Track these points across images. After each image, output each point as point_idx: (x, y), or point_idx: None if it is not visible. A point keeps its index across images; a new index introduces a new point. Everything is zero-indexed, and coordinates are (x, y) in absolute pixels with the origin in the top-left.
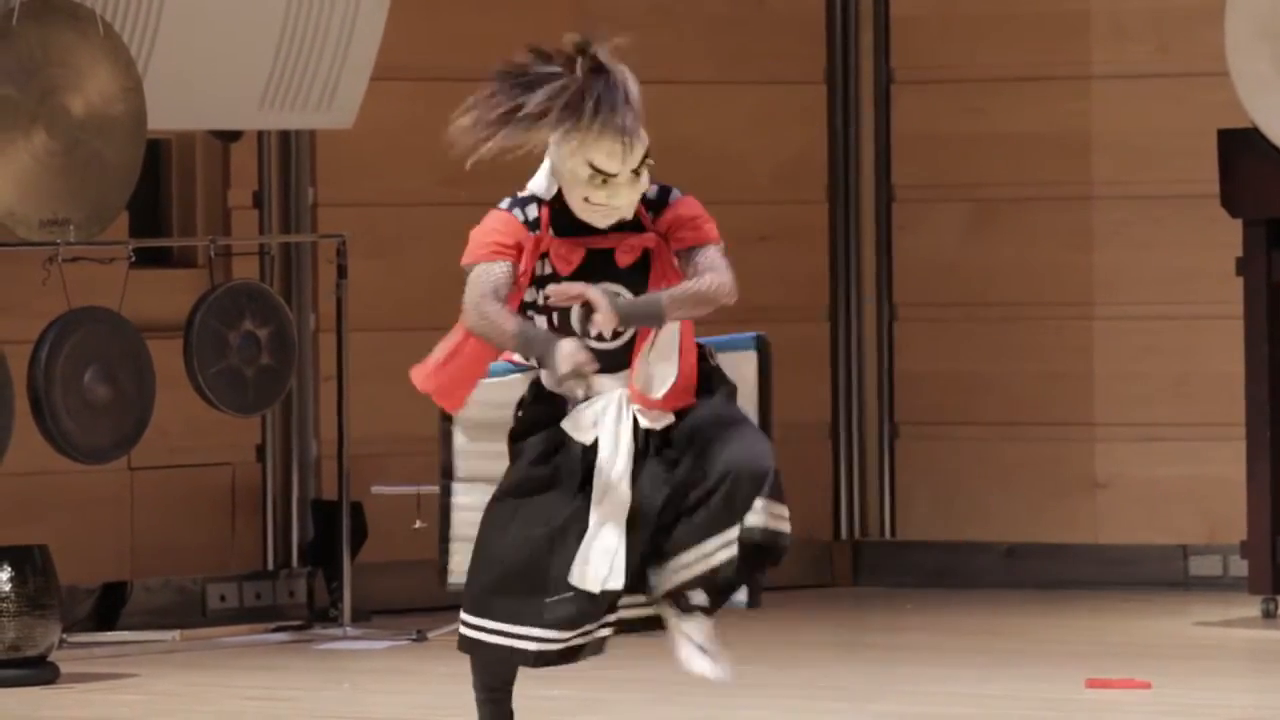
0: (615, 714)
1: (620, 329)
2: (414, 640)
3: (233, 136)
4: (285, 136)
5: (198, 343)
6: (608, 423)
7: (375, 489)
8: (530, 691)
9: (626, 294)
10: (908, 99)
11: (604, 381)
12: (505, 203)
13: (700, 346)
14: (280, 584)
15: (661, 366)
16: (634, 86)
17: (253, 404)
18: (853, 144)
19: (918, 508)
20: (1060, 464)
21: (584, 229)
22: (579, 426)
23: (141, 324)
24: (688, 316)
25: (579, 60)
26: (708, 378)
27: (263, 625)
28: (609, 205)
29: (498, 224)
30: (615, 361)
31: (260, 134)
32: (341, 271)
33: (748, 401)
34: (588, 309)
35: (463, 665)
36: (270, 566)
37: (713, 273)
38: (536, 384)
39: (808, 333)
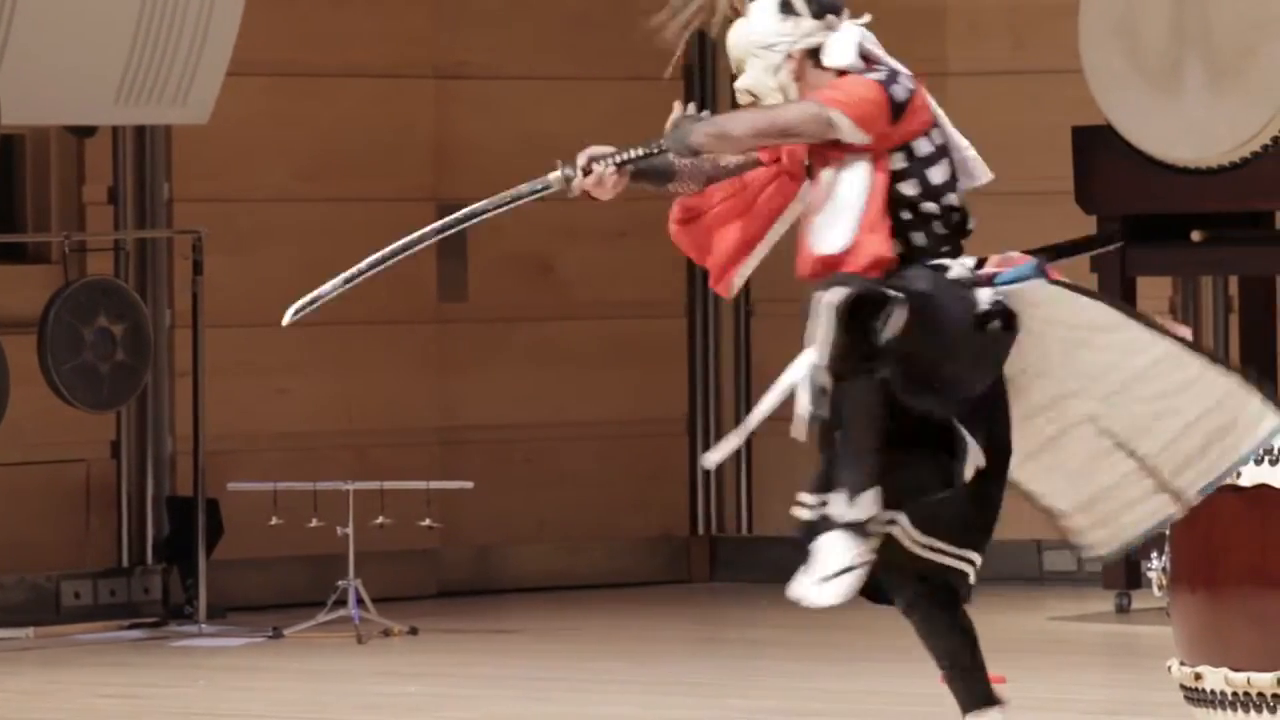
0: (471, 709)
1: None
2: (270, 637)
3: (87, 132)
4: (140, 132)
5: (52, 339)
6: None
7: (231, 485)
8: (385, 689)
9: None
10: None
11: None
12: None
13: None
14: (135, 581)
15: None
16: None
17: (108, 400)
18: None
19: (774, 503)
20: None
21: None
22: None
23: None
24: (707, 146)
25: None
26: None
27: (118, 622)
28: None
29: None
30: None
31: (115, 129)
32: (197, 267)
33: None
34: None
35: (318, 662)
36: (125, 563)
37: (750, 109)
38: None
39: (665, 328)
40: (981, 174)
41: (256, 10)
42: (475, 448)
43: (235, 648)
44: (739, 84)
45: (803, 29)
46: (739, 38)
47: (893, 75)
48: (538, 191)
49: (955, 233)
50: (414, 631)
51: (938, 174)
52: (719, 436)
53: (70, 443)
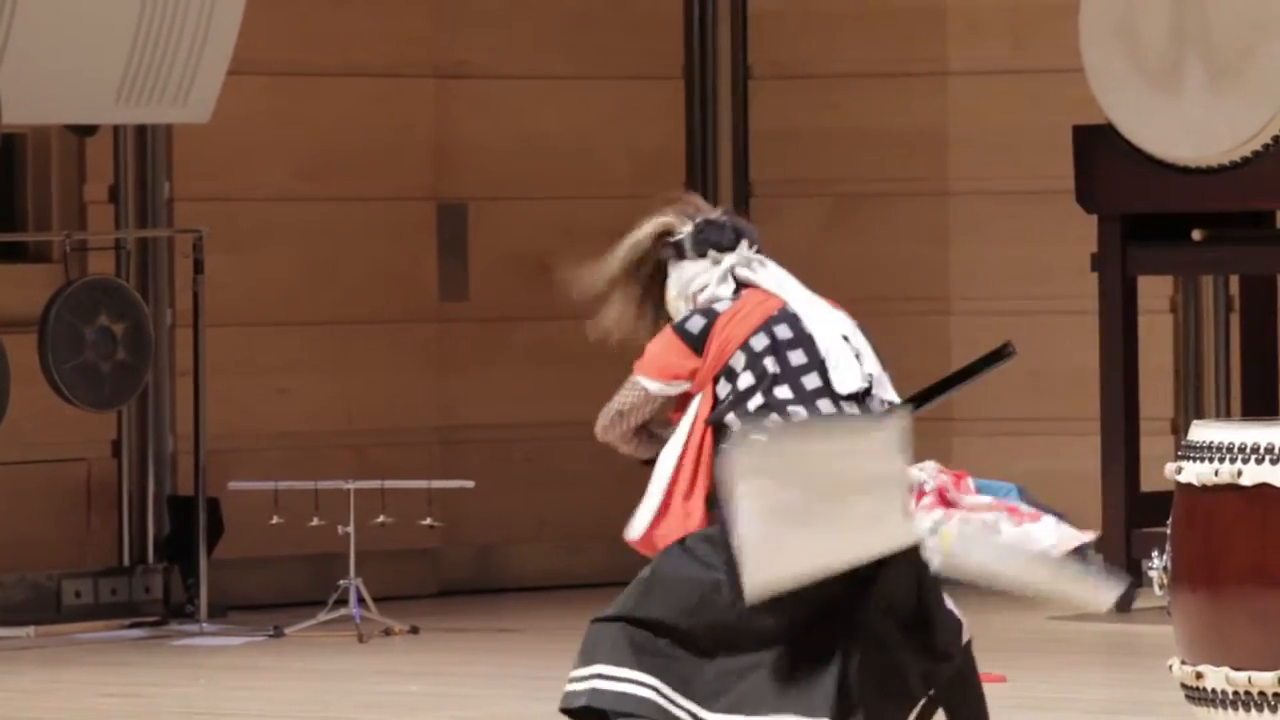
0: (471, 708)
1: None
2: (270, 636)
3: (88, 131)
4: (141, 131)
5: (53, 338)
6: None
7: (232, 485)
8: (386, 688)
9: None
10: (765, 95)
11: None
12: None
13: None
14: (136, 580)
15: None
16: (624, 244)
17: (109, 399)
18: (710, 139)
19: None
20: (918, 458)
21: None
22: None
23: None
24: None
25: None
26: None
27: (119, 621)
28: None
29: None
30: None
31: (116, 128)
32: (198, 266)
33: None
34: None
35: (319, 662)
36: (126, 562)
37: None
38: None
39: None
40: (843, 381)
41: (257, 10)
42: (476, 447)
43: (236, 647)
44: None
45: (691, 271)
46: (667, 296)
47: (699, 310)
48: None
49: None
50: (415, 630)
51: (756, 400)
52: None
53: (71, 442)
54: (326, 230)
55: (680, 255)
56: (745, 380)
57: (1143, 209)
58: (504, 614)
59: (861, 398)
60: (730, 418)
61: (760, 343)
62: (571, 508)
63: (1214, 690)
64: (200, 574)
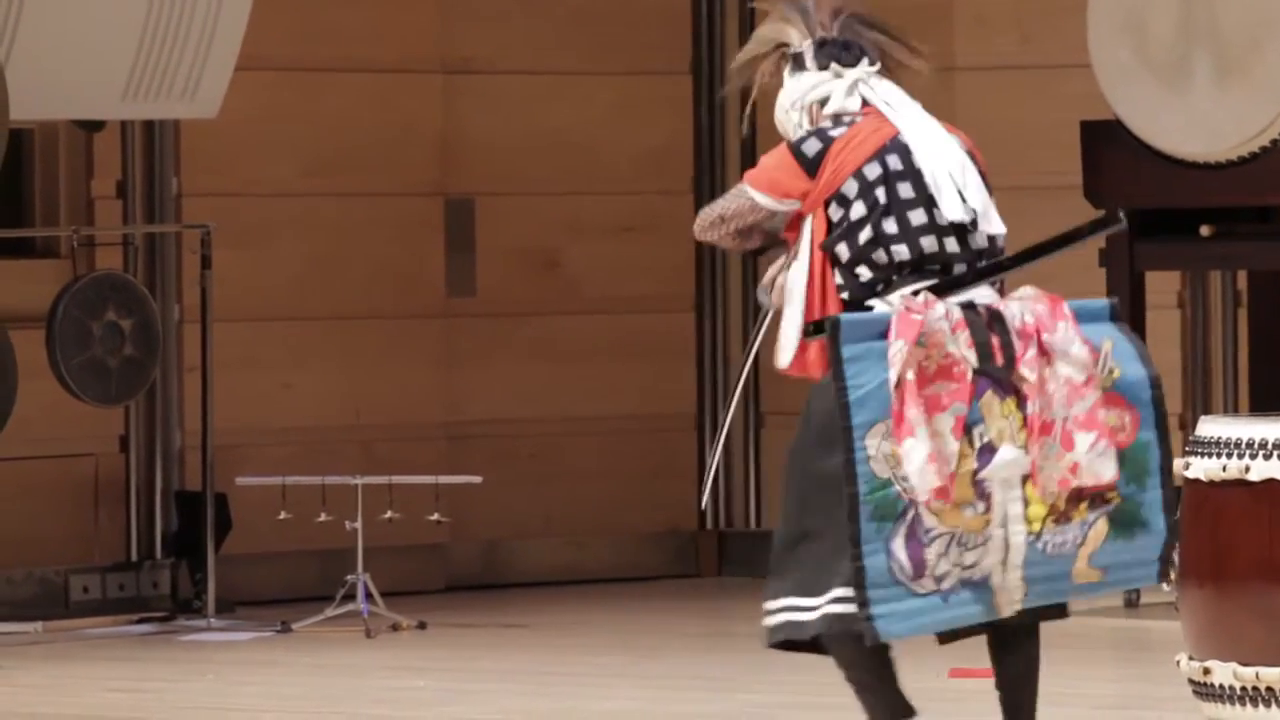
0: (479, 703)
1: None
2: (278, 631)
3: (96, 126)
4: (149, 126)
5: (61, 333)
6: None
7: (240, 480)
8: (393, 683)
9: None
10: (772, 90)
11: None
12: None
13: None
14: (144, 575)
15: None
16: (742, 51)
17: (116, 395)
18: (718, 135)
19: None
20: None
21: None
22: None
23: (4, 314)
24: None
25: None
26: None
27: (126, 617)
28: None
29: None
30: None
31: (124, 124)
32: (205, 262)
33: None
34: None
35: (327, 657)
36: (134, 558)
37: None
38: None
39: (673, 323)
40: (945, 209)
41: (264, 5)
42: (483, 442)
43: (244, 642)
44: None
45: (810, 82)
46: (777, 109)
47: (815, 131)
48: (762, 325)
49: (863, 265)
50: (422, 626)
51: (866, 233)
52: (727, 432)
53: (79, 437)
54: (334, 225)
55: (799, 66)
56: (857, 210)
57: (1150, 204)
58: (511, 609)
59: (965, 230)
60: (843, 248)
61: (873, 171)
62: (579, 503)
63: (1221, 685)
64: (208, 569)
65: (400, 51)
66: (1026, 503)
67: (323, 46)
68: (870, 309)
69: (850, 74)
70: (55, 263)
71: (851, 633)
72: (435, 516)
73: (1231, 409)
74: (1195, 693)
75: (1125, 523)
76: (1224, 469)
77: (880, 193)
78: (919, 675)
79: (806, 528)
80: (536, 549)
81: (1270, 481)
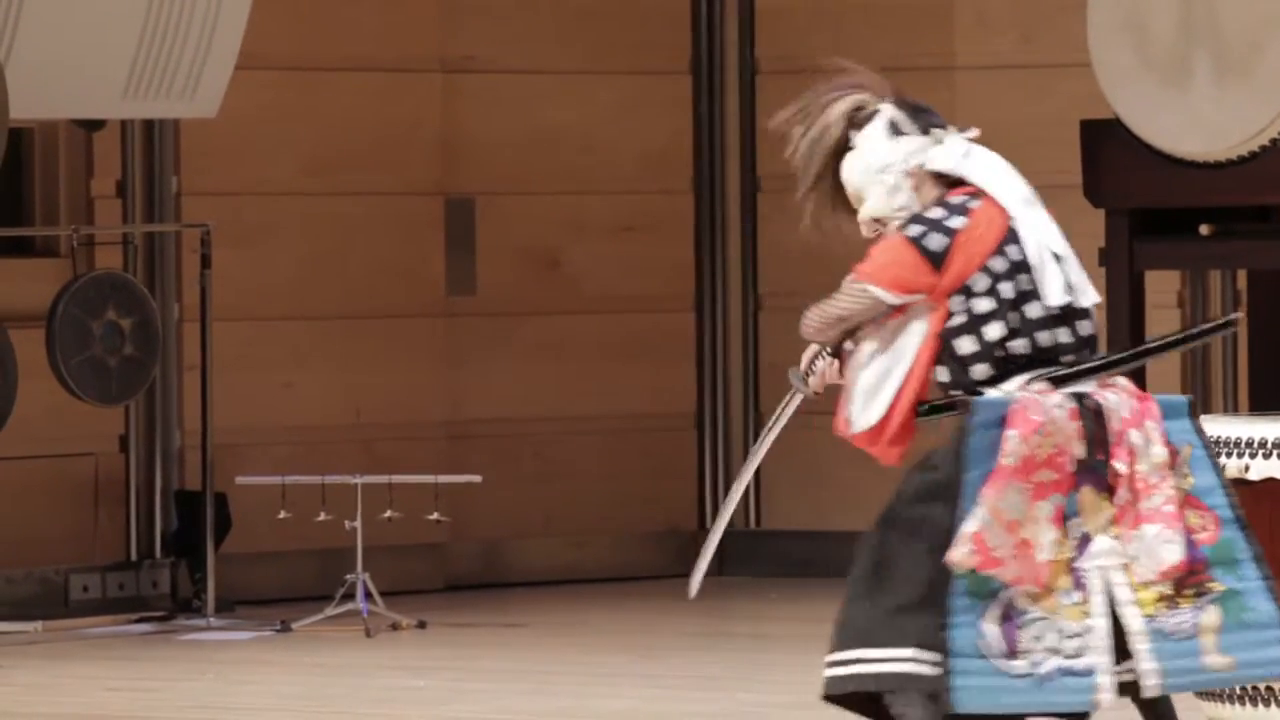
0: (478, 703)
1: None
2: (278, 631)
3: (96, 125)
4: (149, 125)
5: (60, 332)
6: None
7: (239, 479)
8: (393, 682)
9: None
10: (773, 89)
11: None
12: None
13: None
14: (144, 575)
15: (854, 399)
16: (814, 134)
17: (116, 394)
18: (718, 134)
19: (783, 497)
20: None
21: None
22: None
23: (3, 313)
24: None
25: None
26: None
27: (126, 616)
28: None
29: None
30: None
31: (124, 123)
32: (205, 261)
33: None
34: None
35: (326, 656)
36: (133, 557)
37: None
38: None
39: (673, 323)
40: (1050, 295)
41: (264, 4)
42: (483, 442)
43: (243, 641)
44: (862, 214)
45: (912, 146)
46: (855, 168)
47: (933, 223)
48: (788, 406)
49: (983, 363)
50: (422, 625)
51: (981, 306)
52: (727, 431)
53: (78, 437)
54: (333, 225)
55: (897, 131)
56: (984, 304)
57: (1150, 203)
58: (511, 609)
59: (1074, 316)
60: (966, 341)
61: (998, 265)
62: (578, 503)
63: None
64: (207, 569)
65: (400, 51)
66: (1134, 589)
67: (323, 46)
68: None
69: (952, 138)
70: (55, 262)
71: (923, 693)
72: (435, 516)
73: (1231, 408)
74: (1196, 692)
75: (1235, 610)
76: (1224, 468)
77: (1007, 287)
78: None
79: (889, 577)
80: (536, 549)
81: (1270, 481)
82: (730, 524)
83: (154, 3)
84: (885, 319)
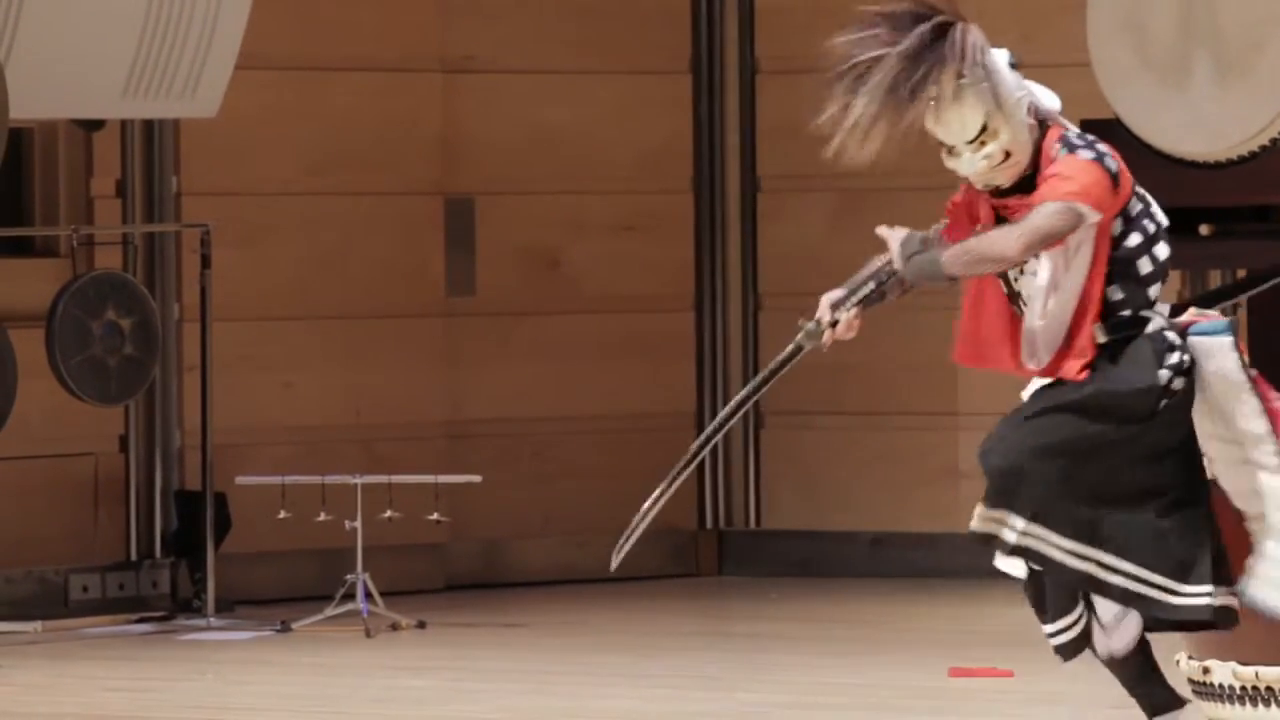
0: (478, 703)
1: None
2: (278, 631)
3: (96, 125)
4: (149, 125)
5: (60, 332)
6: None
7: (239, 479)
8: (393, 682)
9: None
10: (773, 89)
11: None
12: None
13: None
14: (143, 575)
15: (1038, 330)
16: (966, 54)
17: (116, 394)
18: (718, 134)
19: (783, 497)
20: (924, 453)
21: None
22: None
23: (3, 313)
24: (967, 273)
25: (922, 24)
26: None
27: (126, 616)
28: (960, 172)
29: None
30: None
31: (123, 122)
32: (205, 261)
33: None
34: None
35: (326, 656)
36: (133, 557)
37: (1000, 229)
38: None
39: (673, 323)
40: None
41: (264, 4)
42: (483, 441)
43: (243, 641)
44: (993, 148)
45: (1018, 79)
46: (992, 98)
47: (1094, 146)
48: (795, 356)
49: (1158, 282)
50: (422, 625)
51: (1150, 227)
52: (727, 431)
53: (78, 437)
54: (333, 225)
55: (1012, 65)
56: (1147, 227)
57: None
58: (511, 609)
59: None
60: (1145, 262)
61: (1140, 190)
62: (578, 502)
63: (1221, 685)
64: (207, 569)
65: (400, 50)
66: None
67: (323, 45)
68: (1144, 320)
69: (1030, 83)
70: (55, 262)
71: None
72: (435, 516)
73: None
74: (1195, 692)
75: None
76: None
77: (1157, 210)
78: (919, 675)
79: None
80: (536, 548)
81: None
82: (730, 524)
83: (154, 3)
84: (1056, 244)
